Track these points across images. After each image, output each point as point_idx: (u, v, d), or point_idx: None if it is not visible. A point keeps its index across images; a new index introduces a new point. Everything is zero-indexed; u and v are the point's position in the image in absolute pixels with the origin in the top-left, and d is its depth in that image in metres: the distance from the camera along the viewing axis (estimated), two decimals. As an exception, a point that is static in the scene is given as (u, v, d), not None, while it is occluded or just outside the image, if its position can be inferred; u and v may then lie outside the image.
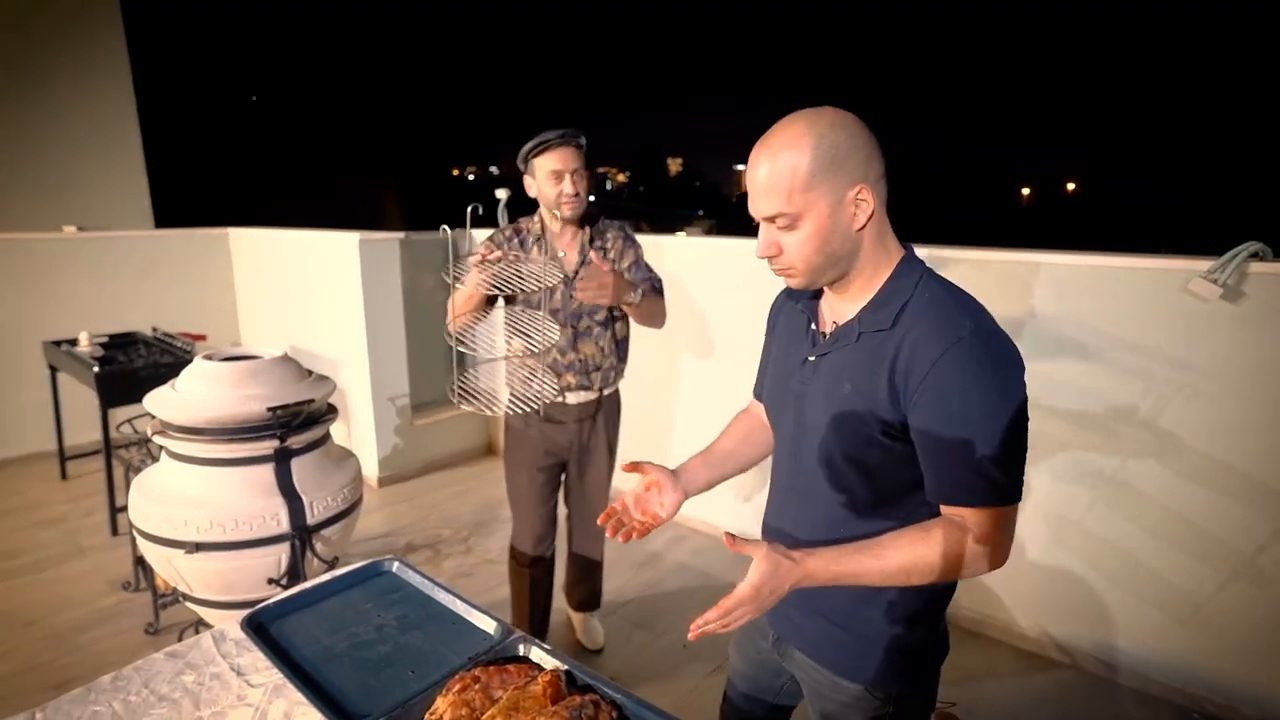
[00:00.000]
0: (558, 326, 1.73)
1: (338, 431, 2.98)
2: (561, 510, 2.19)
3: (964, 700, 2.03)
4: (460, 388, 1.44)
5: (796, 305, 1.06)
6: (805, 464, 1.01)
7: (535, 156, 1.77)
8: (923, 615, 1.01)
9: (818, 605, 1.04)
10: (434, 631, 1.22)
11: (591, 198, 1.90)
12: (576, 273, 1.85)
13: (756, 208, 0.90)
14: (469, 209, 1.51)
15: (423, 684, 1.07)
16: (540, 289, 1.56)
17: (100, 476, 3.28)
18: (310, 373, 1.86)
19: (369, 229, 3.79)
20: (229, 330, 4.85)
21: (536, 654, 1.11)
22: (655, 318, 1.88)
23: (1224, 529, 1.95)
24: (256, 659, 1.15)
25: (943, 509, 0.90)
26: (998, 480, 0.84)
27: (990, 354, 0.84)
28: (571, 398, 1.94)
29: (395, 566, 1.43)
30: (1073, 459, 2.17)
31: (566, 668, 1.05)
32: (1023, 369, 0.86)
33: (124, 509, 3.14)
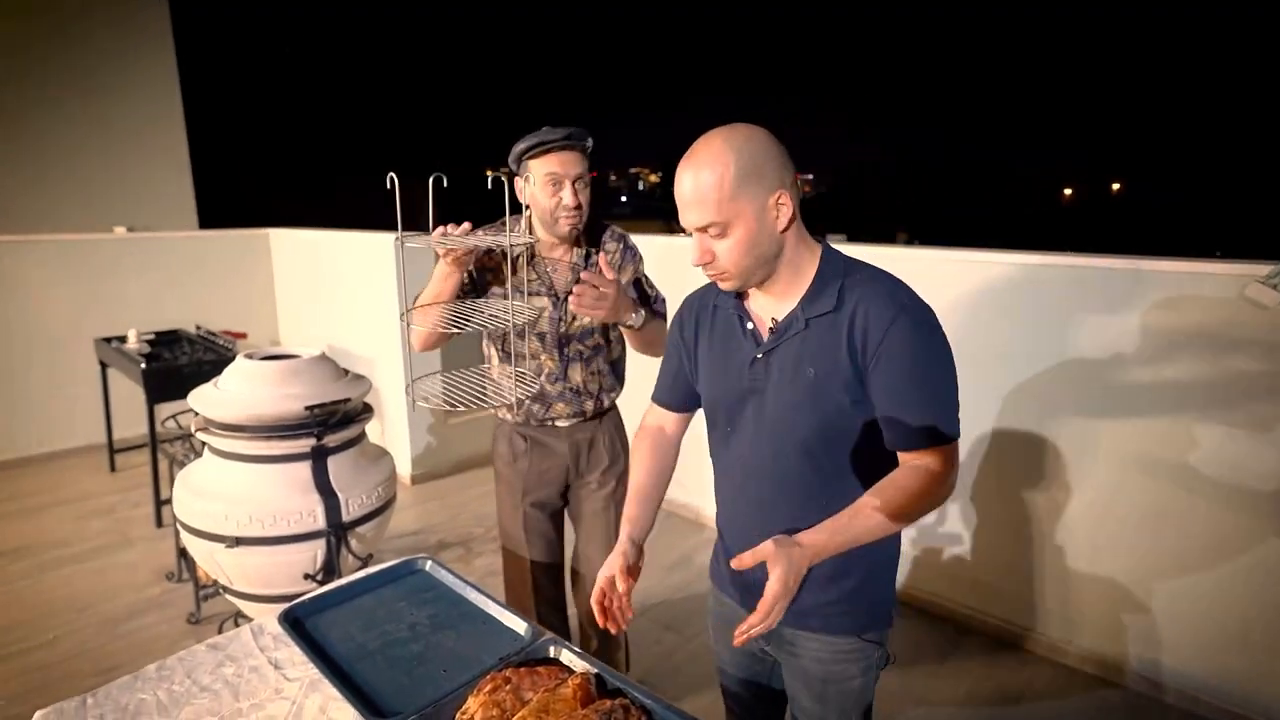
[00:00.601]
0: (539, 369, 1.58)
1: (372, 430, 3.03)
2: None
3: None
4: (416, 392, 1.25)
5: (724, 309, 1.12)
6: (774, 456, 1.07)
7: (531, 158, 1.53)
8: (886, 556, 1.13)
9: None
10: (466, 631, 1.23)
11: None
12: (569, 294, 1.56)
13: (687, 219, 0.99)
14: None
15: (454, 684, 1.08)
16: (513, 322, 1.30)
17: (148, 470, 3.39)
18: (347, 372, 1.90)
19: (407, 229, 3.84)
20: (269, 328, 4.97)
21: (567, 656, 1.11)
22: (655, 346, 1.62)
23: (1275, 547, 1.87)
24: (293, 653, 1.18)
25: (903, 455, 1.00)
26: (948, 424, 0.98)
27: (927, 321, 0.98)
28: (562, 422, 1.72)
29: (429, 565, 1.44)
30: (1121, 468, 2.10)
31: (596, 671, 1.05)
32: (942, 328, 1.01)
33: (168, 502, 3.25)
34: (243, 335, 3.80)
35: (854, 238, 3.72)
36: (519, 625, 1.24)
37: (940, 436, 0.98)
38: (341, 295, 4.25)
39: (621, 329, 1.61)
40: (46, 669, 2.29)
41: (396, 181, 1.26)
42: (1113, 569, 2.15)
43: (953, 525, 2.49)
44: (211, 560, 1.73)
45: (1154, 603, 2.09)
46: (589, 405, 1.71)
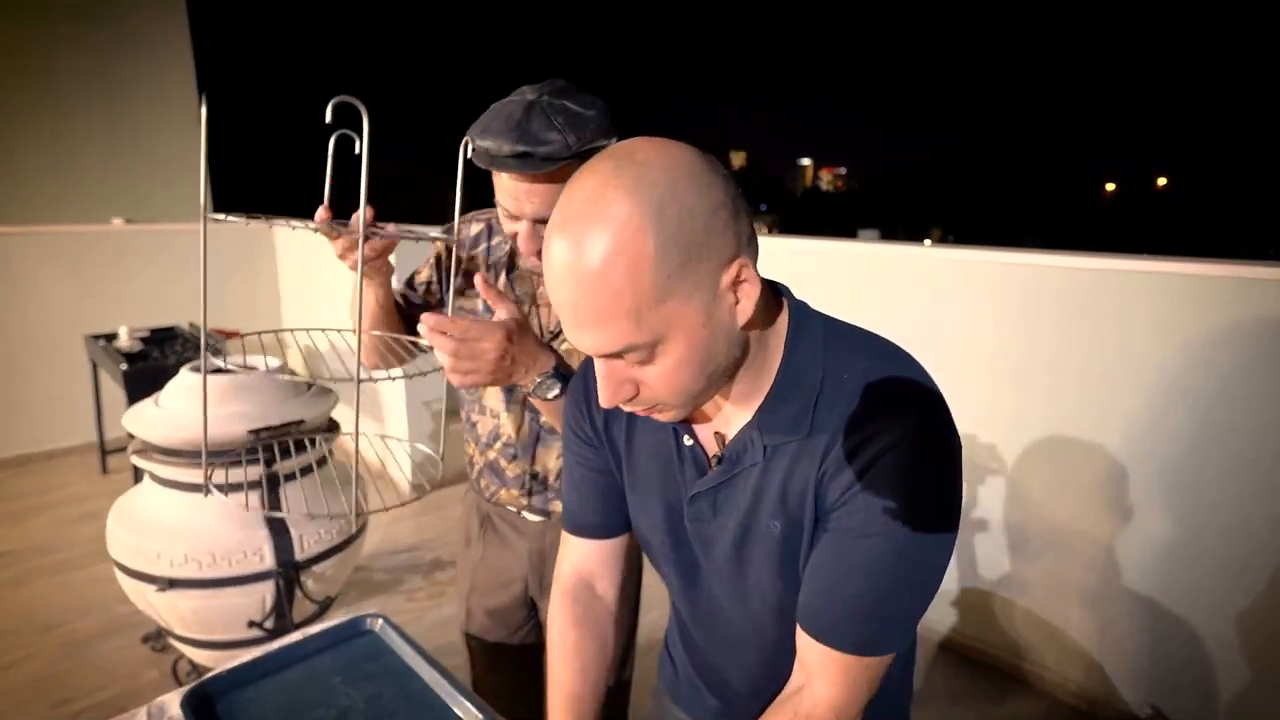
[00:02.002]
0: (494, 433, 1.14)
1: (372, 434, 2.82)
2: None
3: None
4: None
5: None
6: (720, 609, 0.76)
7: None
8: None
9: None
10: (406, 724, 0.99)
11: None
12: (556, 335, 1.11)
13: (582, 340, 0.58)
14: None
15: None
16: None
17: (126, 476, 3.24)
18: (309, 386, 1.67)
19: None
20: (273, 324, 4.81)
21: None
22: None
23: None
24: (190, 752, 0.95)
25: (801, 637, 0.66)
26: (883, 628, 0.63)
27: (927, 467, 0.60)
28: (528, 514, 1.21)
29: (379, 626, 1.20)
30: (1146, 486, 1.80)
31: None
32: (959, 477, 0.62)
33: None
34: (235, 333, 3.61)
35: (887, 234, 3.42)
36: (474, 716, 1.00)
37: (857, 642, 0.63)
38: (346, 292, 4.06)
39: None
40: (1, 697, 2.14)
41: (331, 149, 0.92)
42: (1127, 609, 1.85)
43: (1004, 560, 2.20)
44: (144, 601, 1.51)
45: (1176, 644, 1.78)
46: (556, 505, 1.17)
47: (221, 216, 0.95)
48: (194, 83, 6.52)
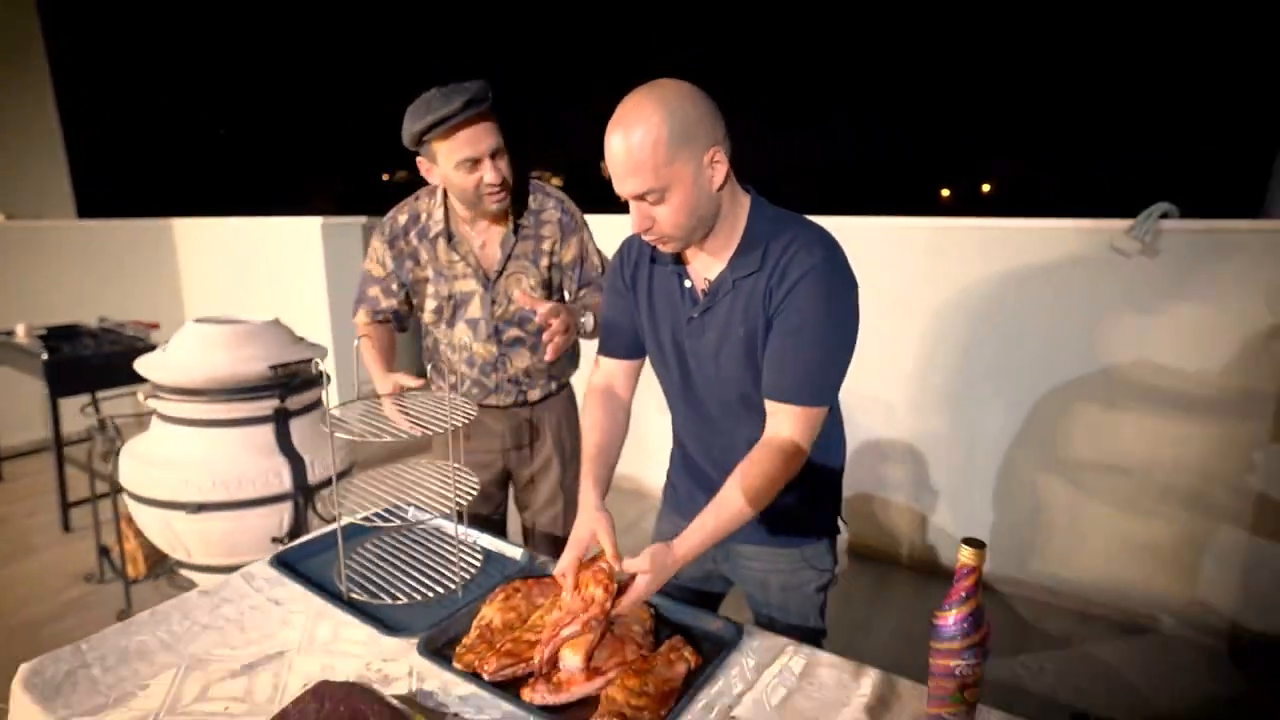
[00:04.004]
0: (471, 360, 1.48)
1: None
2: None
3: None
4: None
5: (665, 267, 1.11)
6: (704, 405, 1.13)
7: (436, 140, 1.31)
8: (829, 471, 1.19)
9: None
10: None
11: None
12: (501, 272, 1.46)
13: (624, 188, 0.96)
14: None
15: (467, 599, 1.13)
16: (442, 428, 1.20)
17: (40, 479, 3.14)
18: (302, 339, 1.87)
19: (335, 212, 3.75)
20: (175, 321, 4.67)
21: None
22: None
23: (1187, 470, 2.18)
24: (291, 591, 1.18)
25: (769, 407, 1.02)
26: (815, 388, 1.00)
27: (836, 284, 0.99)
28: (498, 399, 1.54)
29: (410, 513, 1.45)
30: (1017, 406, 2.38)
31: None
32: (856, 294, 1.02)
33: (78, 504, 3.04)
34: (155, 325, 3.57)
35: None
36: (515, 552, 1.29)
37: (805, 396, 0.99)
38: (262, 283, 4.08)
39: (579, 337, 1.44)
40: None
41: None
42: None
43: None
44: (168, 531, 1.66)
45: (1053, 521, 2.37)
46: (533, 394, 1.54)
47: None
48: (48, 74, 6.08)
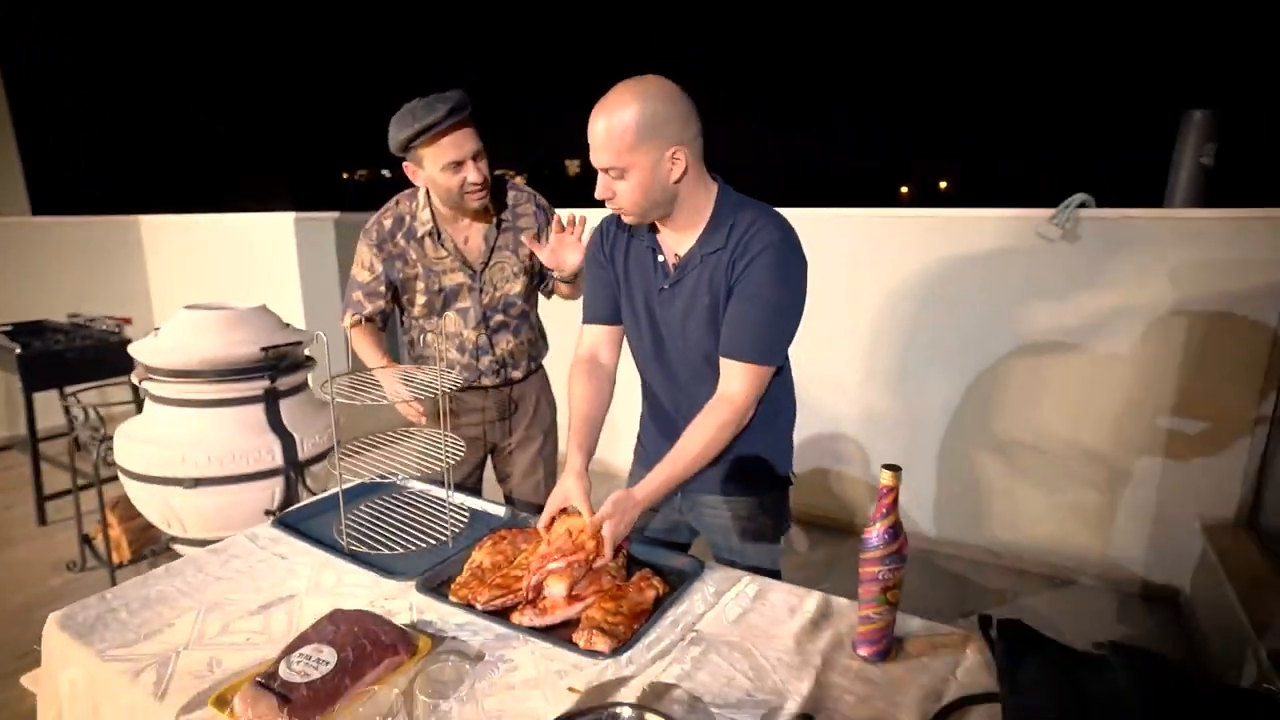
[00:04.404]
0: (462, 345, 1.61)
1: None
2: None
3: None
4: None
5: (641, 242, 1.25)
6: (673, 366, 1.26)
7: (422, 146, 1.45)
8: (781, 429, 1.32)
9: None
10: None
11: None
12: (486, 263, 1.61)
13: (595, 159, 1.11)
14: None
15: (457, 548, 1.25)
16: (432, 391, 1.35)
17: (11, 474, 3.15)
18: (289, 325, 1.97)
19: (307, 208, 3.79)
20: (144, 317, 4.66)
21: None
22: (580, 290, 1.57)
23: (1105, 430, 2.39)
24: (294, 547, 1.29)
25: (723, 365, 1.17)
26: (764, 349, 1.15)
27: (789, 262, 1.13)
28: (486, 380, 1.69)
29: (399, 478, 1.56)
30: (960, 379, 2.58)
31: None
32: (806, 270, 1.17)
33: (55, 496, 3.07)
34: (127, 320, 3.59)
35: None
36: (499, 510, 1.43)
37: (756, 355, 1.13)
38: (233, 279, 4.11)
39: (560, 283, 1.62)
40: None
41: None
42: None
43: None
44: (165, 507, 1.75)
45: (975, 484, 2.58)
46: (516, 374, 1.71)
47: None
48: None
